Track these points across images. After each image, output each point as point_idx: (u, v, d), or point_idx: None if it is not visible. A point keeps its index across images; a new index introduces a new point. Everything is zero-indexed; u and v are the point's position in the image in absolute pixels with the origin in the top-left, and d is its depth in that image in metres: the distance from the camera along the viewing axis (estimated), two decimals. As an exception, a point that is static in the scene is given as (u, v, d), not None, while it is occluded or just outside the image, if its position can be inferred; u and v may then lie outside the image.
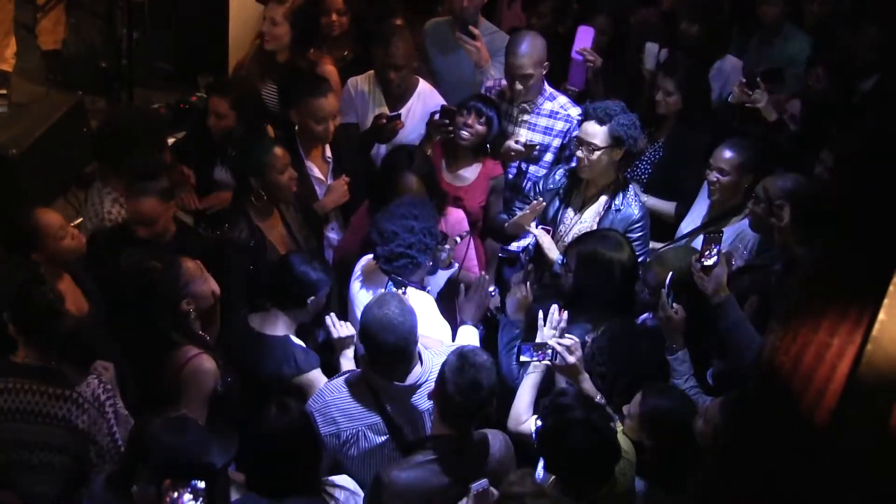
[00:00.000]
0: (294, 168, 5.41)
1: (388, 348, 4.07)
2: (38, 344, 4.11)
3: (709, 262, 4.39)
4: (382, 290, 4.62)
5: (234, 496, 3.85)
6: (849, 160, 4.36)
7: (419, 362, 4.19)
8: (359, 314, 4.76)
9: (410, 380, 4.14)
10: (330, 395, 4.22)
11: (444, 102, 5.92)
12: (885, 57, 5.93)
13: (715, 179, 5.33)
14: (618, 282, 4.71)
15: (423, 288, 4.80)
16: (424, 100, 6.02)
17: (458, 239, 5.04)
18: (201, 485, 3.34)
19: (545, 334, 4.42)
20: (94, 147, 5.66)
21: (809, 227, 4.51)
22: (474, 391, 3.80)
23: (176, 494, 3.30)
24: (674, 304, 4.41)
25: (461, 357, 3.87)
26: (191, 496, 3.30)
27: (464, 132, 5.64)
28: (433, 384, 4.01)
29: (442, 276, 5.01)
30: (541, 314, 4.47)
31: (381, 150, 5.95)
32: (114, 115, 6.38)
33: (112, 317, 4.74)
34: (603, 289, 4.72)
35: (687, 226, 5.61)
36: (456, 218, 5.36)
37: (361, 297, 4.78)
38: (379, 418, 4.15)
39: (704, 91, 6.13)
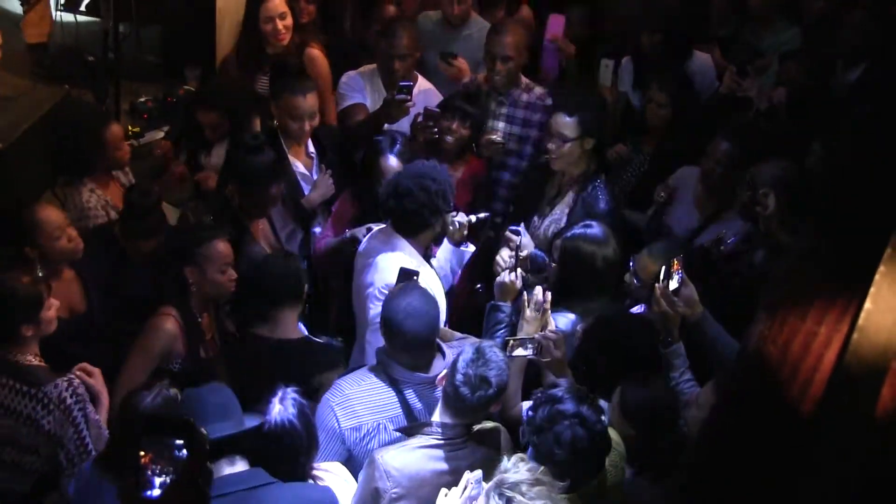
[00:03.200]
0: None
1: (412, 338, 4.08)
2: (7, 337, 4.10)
3: (675, 286, 4.33)
4: (388, 254, 4.68)
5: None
6: (838, 152, 4.38)
7: (442, 355, 4.20)
8: (359, 264, 4.83)
9: (433, 371, 4.15)
10: (350, 388, 4.20)
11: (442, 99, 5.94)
12: (871, 43, 5.95)
13: (711, 169, 5.35)
14: (600, 276, 4.70)
15: (429, 258, 4.84)
16: (425, 96, 6.01)
17: (474, 218, 5.04)
18: (177, 448, 3.24)
19: (527, 315, 4.42)
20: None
21: (796, 216, 4.52)
22: (481, 386, 3.81)
23: (154, 465, 3.24)
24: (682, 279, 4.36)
25: (477, 351, 3.87)
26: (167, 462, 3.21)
27: (448, 138, 5.65)
28: None
29: (454, 254, 5.03)
30: (525, 295, 4.48)
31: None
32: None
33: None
34: (586, 282, 4.72)
35: (676, 223, 5.59)
36: None
37: (371, 250, 4.83)
38: (400, 411, 4.15)
39: (693, 98, 6.09)
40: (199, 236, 4.75)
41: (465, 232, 5.01)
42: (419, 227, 4.74)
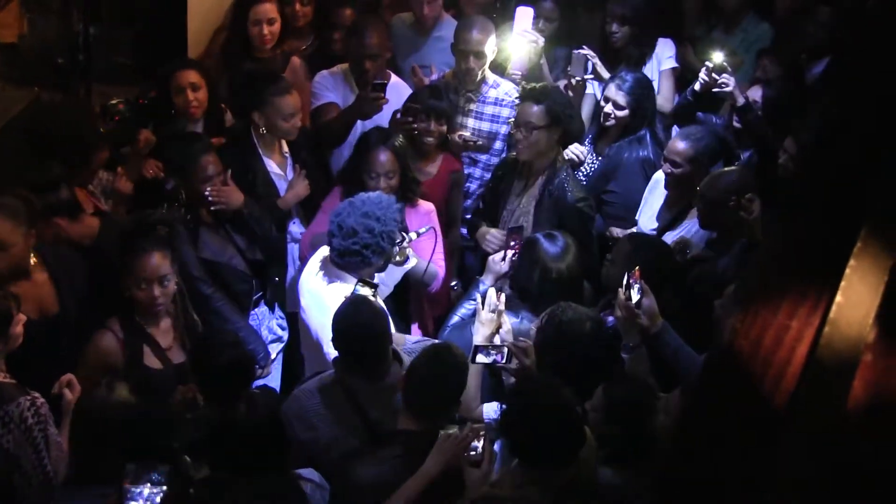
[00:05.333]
0: (252, 166, 5.44)
1: (362, 351, 4.07)
2: None
3: (636, 297, 4.32)
4: (337, 284, 4.63)
5: None
6: (806, 146, 4.41)
7: (399, 362, 4.18)
8: (305, 301, 4.77)
9: (390, 379, 4.13)
10: (306, 399, 4.18)
11: None
12: (836, 38, 6.01)
13: (669, 171, 5.34)
14: (537, 283, 4.69)
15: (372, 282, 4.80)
16: (398, 93, 6.02)
17: (416, 235, 5.02)
18: (160, 475, 3.29)
19: (483, 317, 4.44)
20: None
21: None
22: (442, 387, 3.81)
23: (136, 489, 3.27)
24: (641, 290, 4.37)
25: (434, 353, 3.87)
26: (151, 489, 3.27)
27: (429, 139, 5.65)
28: None
29: (397, 272, 5.00)
30: (479, 297, 4.51)
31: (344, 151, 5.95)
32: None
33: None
34: (528, 283, 4.73)
35: (646, 222, 5.62)
36: (426, 209, 5.39)
37: (315, 287, 4.78)
38: (358, 422, 4.13)
39: (652, 101, 6.07)
40: (131, 245, 4.62)
41: (407, 252, 4.95)
42: (360, 266, 4.67)
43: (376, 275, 4.84)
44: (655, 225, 5.56)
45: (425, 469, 3.75)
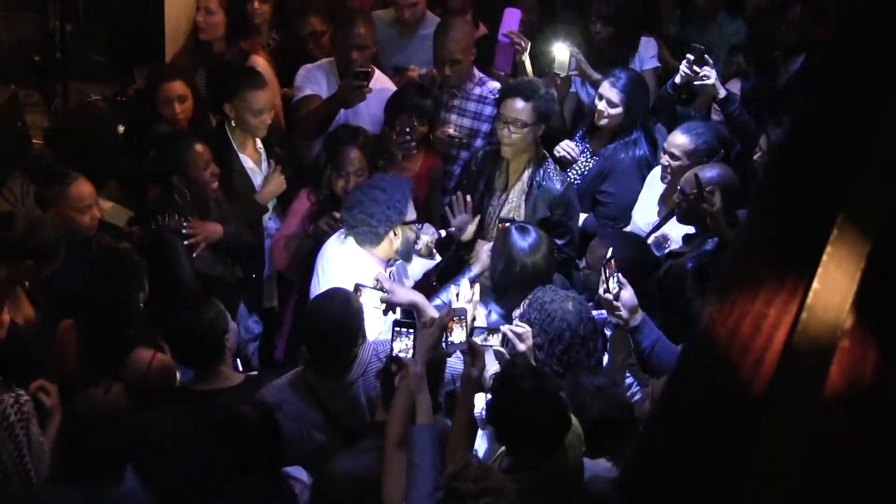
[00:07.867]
0: (227, 161, 5.43)
1: (328, 346, 4.06)
2: None
3: (615, 289, 4.31)
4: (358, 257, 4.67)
5: None
6: (782, 136, 4.43)
7: (356, 356, 4.17)
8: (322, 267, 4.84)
9: (348, 376, 4.12)
10: (271, 396, 4.18)
11: None
12: (809, 36, 6.04)
13: (666, 164, 5.33)
14: (500, 273, 4.70)
15: (389, 265, 4.86)
16: (381, 88, 6.02)
17: (444, 232, 5.12)
18: None
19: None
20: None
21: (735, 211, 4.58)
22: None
23: None
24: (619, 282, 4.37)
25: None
26: None
27: (410, 138, 5.66)
28: (370, 375, 4.02)
29: (420, 265, 5.02)
30: (453, 288, 4.52)
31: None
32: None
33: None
34: (493, 272, 4.75)
35: (640, 216, 5.62)
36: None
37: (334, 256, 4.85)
38: (321, 418, 4.13)
39: (646, 98, 6.05)
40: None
41: (433, 247, 4.99)
42: (371, 238, 4.67)
43: (402, 268, 4.92)
44: (649, 219, 5.56)
45: (418, 358, 3.82)
